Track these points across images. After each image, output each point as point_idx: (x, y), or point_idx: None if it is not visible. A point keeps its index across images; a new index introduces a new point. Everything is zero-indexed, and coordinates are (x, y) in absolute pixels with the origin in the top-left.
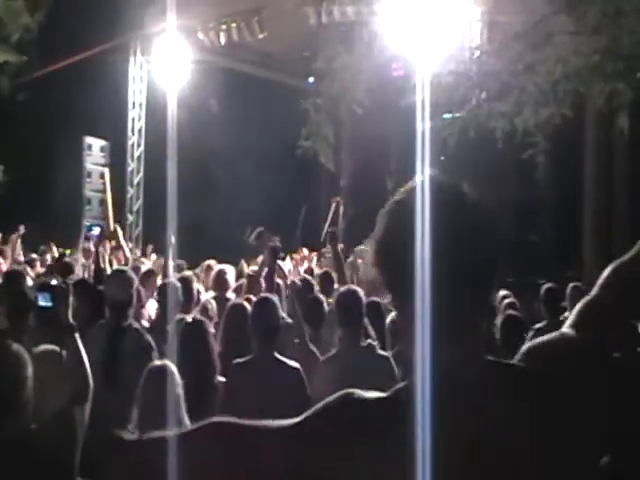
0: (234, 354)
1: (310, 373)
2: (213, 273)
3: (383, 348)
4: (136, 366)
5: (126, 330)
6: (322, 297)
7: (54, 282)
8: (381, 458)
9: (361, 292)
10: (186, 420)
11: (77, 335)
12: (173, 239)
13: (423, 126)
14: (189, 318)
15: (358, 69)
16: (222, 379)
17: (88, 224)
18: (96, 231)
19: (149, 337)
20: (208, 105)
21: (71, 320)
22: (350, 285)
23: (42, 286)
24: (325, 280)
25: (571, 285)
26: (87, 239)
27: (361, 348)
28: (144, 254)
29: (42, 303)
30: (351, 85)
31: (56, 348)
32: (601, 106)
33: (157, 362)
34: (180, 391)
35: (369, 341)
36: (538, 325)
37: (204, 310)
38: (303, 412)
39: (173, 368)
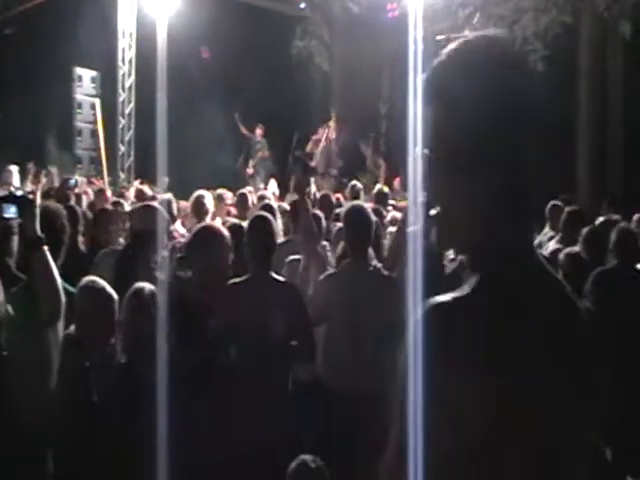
0: (232, 276)
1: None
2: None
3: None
4: None
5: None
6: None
7: (19, 193)
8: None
9: (369, 210)
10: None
11: (45, 248)
12: (166, 180)
13: (416, 47)
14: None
15: None
16: None
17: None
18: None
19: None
20: (199, 51)
21: (39, 233)
22: (357, 203)
23: (7, 197)
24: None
25: (551, 203)
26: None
27: (368, 267)
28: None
29: (6, 215)
30: None
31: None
32: (602, 11)
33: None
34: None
35: (374, 262)
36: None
37: None
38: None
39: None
